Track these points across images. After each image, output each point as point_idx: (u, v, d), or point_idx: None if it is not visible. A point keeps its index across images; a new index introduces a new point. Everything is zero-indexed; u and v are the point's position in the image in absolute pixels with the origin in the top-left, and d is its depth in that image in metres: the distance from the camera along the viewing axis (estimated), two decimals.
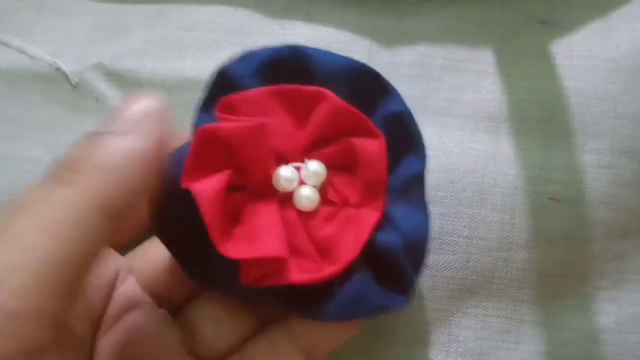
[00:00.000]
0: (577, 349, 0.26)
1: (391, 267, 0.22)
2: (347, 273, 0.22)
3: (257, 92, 0.24)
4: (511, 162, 0.27)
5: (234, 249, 0.21)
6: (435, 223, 0.26)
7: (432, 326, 0.26)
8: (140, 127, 0.20)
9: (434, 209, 0.26)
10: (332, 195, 0.24)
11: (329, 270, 0.22)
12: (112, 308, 0.23)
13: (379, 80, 0.24)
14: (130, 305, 0.23)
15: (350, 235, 0.22)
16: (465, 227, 0.26)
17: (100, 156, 0.19)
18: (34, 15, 0.33)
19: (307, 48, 0.24)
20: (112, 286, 0.23)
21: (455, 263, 0.26)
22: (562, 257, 0.26)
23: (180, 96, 0.29)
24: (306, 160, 0.23)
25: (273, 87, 0.24)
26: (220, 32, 0.30)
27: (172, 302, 0.25)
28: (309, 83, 0.24)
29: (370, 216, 0.23)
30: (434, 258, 0.26)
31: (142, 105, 0.20)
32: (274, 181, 0.23)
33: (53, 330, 0.17)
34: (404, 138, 0.23)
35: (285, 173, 0.23)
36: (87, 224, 0.18)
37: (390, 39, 0.30)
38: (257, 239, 0.22)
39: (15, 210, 0.19)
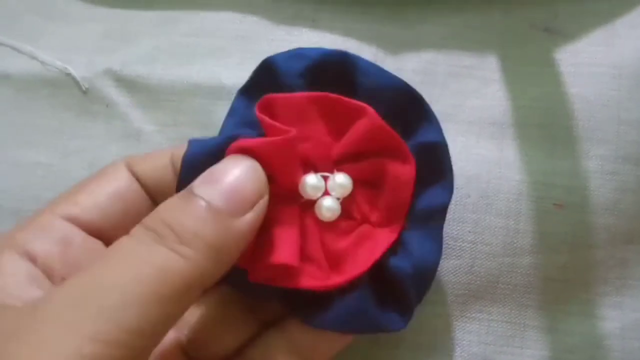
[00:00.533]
0: (582, 354, 0.26)
1: (396, 291, 0.23)
2: (350, 287, 0.23)
3: (298, 96, 0.24)
4: (515, 168, 0.27)
5: (249, 256, 0.22)
6: None
7: (436, 331, 0.26)
8: (245, 203, 0.20)
9: None
10: (353, 210, 0.24)
11: (334, 280, 0.23)
12: None
13: (421, 106, 0.24)
14: None
15: (363, 251, 0.23)
16: (469, 232, 0.26)
17: (212, 235, 0.19)
18: (43, 21, 0.33)
19: (358, 58, 0.24)
20: None
21: (460, 268, 0.26)
22: (565, 262, 0.26)
23: (189, 102, 0.29)
24: (335, 171, 0.24)
25: (315, 94, 0.24)
26: (228, 38, 0.31)
27: None
28: (352, 94, 0.24)
29: (386, 237, 0.23)
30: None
31: (243, 174, 0.21)
32: (300, 188, 0.23)
33: None
34: (434, 168, 0.24)
35: (311, 181, 0.23)
36: (190, 301, 0.19)
37: (395, 46, 0.30)
38: (272, 245, 0.22)
39: (105, 253, 0.19)
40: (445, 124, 0.28)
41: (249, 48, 0.30)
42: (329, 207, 0.23)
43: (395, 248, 0.23)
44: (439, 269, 0.26)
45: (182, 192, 0.21)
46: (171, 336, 0.24)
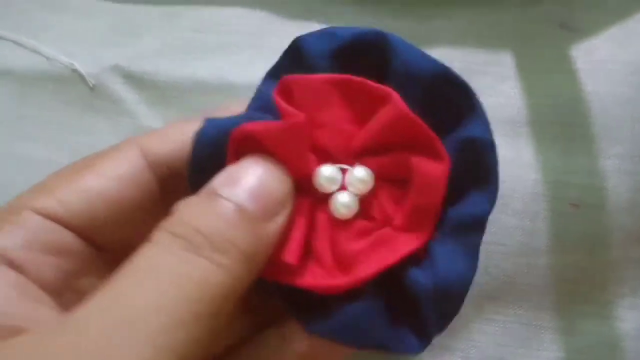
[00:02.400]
0: (597, 355, 0.26)
1: (412, 309, 0.20)
2: (357, 293, 0.20)
3: (319, 78, 0.21)
4: (531, 167, 0.27)
5: None
6: None
7: (452, 332, 0.26)
8: (275, 204, 0.20)
9: None
10: (373, 210, 0.21)
11: (337, 281, 0.20)
12: None
13: (467, 94, 0.21)
14: None
15: (379, 256, 0.20)
16: (485, 232, 0.26)
17: (245, 241, 0.19)
18: (45, 15, 0.33)
19: (396, 38, 0.21)
20: None
21: None
22: (582, 263, 0.26)
23: (197, 99, 0.29)
24: (355, 164, 0.21)
25: (337, 77, 0.21)
26: (236, 34, 0.30)
27: None
28: (387, 79, 0.21)
29: (407, 243, 0.20)
30: None
31: (267, 174, 0.20)
32: (313, 179, 0.21)
33: None
34: (476, 170, 0.20)
35: (326, 172, 0.21)
36: (228, 312, 0.18)
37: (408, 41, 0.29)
38: None
39: (135, 268, 0.18)
40: None
41: (258, 44, 0.30)
42: (344, 203, 0.21)
43: (419, 259, 0.20)
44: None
45: (204, 193, 0.19)
46: None
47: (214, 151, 0.21)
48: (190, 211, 0.19)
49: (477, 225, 0.20)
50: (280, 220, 0.20)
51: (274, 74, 0.22)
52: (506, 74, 0.28)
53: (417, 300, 0.20)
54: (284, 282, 0.20)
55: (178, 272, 0.17)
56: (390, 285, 0.20)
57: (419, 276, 0.20)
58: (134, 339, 0.16)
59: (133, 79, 0.30)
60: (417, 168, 0.20)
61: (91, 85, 0.30)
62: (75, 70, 0.30)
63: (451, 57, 0.29)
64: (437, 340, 0.26)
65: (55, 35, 0.32)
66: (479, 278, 0.26)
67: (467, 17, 0.30)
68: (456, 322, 0.26)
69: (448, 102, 0.21)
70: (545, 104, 0.28)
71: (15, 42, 0.32)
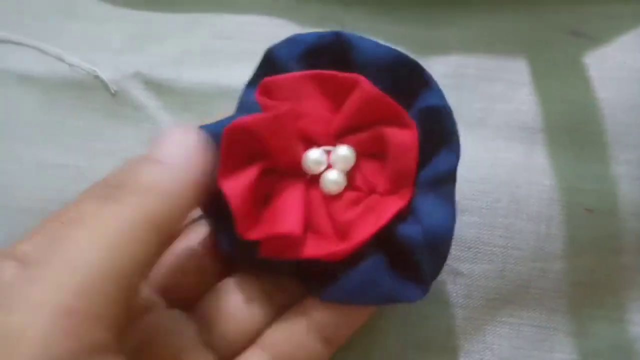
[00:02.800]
0: (610, 357, 0.26)
1: (408, 259, 0.22)
2: (360, 256, 0.23)
3: (294, 75, 0.24)
4: (545, 173, 0.27)
5: (257, 231, 0.23)
6: (471, 232, 0.27)
7: (467, 334, 0.27)
8: (184, 157, 0.21)
9: (469, 219, 0.27)
10: (359, 181, 0.24)
11: (339, 247, 0.22)
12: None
13: (419, 72, 0.24)
14: (143, 310, 0.24)
15: (371, 220, 0.23)
16: (500, 236, 0.27)
17: (150, 180, 0.20)
18: (67, 22, 0.33)
19: (352, 35, 0.24)
20: None
21: (490, 272, 0.27)
22: (595, 267, 0.27)
23: (217, 104, 0.30)
24: (337, 144, 0.24)
25: (310, 72, 0.24)
26: (254, 41, 0.30)
27: (184, 301, 0.25)
28: (350, 70, 0.24)
29: (393, 204, 0.23)
30: (469, 267, 0.27)
31: (184, 136, 0.22)
32: (302, 163, 0.24)
33: (114, 334, 0.18)
34: (439, 133, 0.23)
35: (313, 156, 0.24)
36: (141, 238, 0.19)
37: (423, 49, 0.30)
38: (277, 218, 0.23)
39: (68, 221, 0.20)
40: (474, 128, 0.28)
41: None
42: (333, 180, 0.24)
43: (405, 216, 0.23)
44: (470, 273, 0.26)
45: None
46: (190, 327, 0.24)
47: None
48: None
49: (449, 177, 0.23)
50: (185, 165, 0.21)
51: (253, 83, 0.25)
52: (520, 81, 0.29)
53: (411, 251, 0.22)
54: (292, 257, 0.23)
55: (88, 208, 0.20)
56: (385, 244, 0.23)
57: (409, 230, 0.22)
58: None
59: (154, 85, 0.30)
60: (391, 138, 0.23)
61: (113, 91, 0.31)
62: (97, 77, 0.31)
63: (466, 63, 0.30)
64: (453, 342, 0.27)
65: (77, 43, 0.32)
66: (494, 282, 0.26)
67: (481, 24, 0.30)
68: (471, 324, 0.27)
69: (404, 80, 0.24)
70: (559, 111, 0.28)
71: (38, 49, 0.32)
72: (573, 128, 0.28)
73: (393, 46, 0.30)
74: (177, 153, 0.21)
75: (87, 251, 0.18)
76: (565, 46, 0.29)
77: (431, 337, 0.27)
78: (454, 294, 0.27)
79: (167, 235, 0.20)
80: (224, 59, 0.31)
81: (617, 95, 0.28)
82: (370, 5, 0.31)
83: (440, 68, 0.29)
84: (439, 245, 0.22)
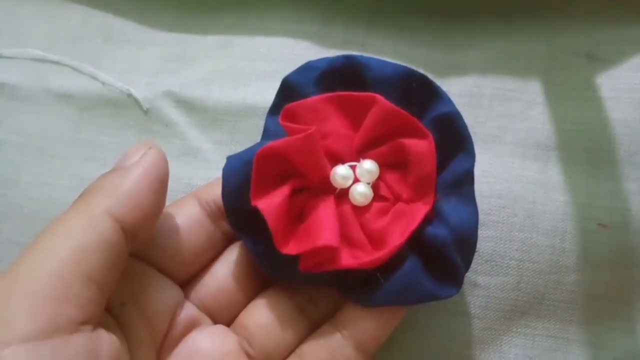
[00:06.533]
0: None
1: (440, 258, 0.24)
2: (397, 261, 0.24)
3: (314, 99, 0.26)
4: (560, 190, 0.28)
5: (294, 246, 0.24)
6: (488, 246, 0.28)
7: (484, 344, 0.28)
8: (143, 163, 0.24)
9: (487, 233, 0.28)
10: (384, 191, 0.26)
11: (376, 255, 0.24)
12: (174, 332, 0.25)
13: (428, 84, 0.26)
14: (191, 326, 0.25)
15: (401, 226, 0.24)
16: (517, 250, 0.28)
17: (110, 182, 0.23)
18: (103, 44, 0.35)
19: (362, 57, 0.26)
20: (173, 314, 0.25)
21: (507, 284, 0.28)
22: (608, 280, 0.27)
23: (245, 122, 0.31)
24: (361, 159, 0.26)
25: (329, 95, 0.26)
26: (281, 62, 0.32)
27: (225, 317, 0.26)
28: (363, 89, 0.26)
29: (420, 210, 0.24)
30: (486, 279, 0.28)
31: (142, 148, 0.24)
32: (331, 179, 0.25)
33: (82, 312, 0.21)
34: (453, 137, 0.25)
35: (341, 171, 0.25)
36: (101, 228, 0.22)
37: (442, 70, 0.31)
38: (313, 232, 0.24)
39: (54, 221, 0.23)
40: (490, 145, 0.29)
41: None
42: (362, 192, 0.25)
43: (431, 219, 0.24)
44: (487, 285, 0.27)
45: None
46: (234, 341, 0.25)
47: (240, 180, 0.25)
48: None
49: (468, 178, 0.25)
50: (144, 168, 0.24)
51: (273, 111, 0.27)
52: (535, 100, 0.30)
53: (441, 250, 0.24)
54: (331, 269, 0.24)
55: (69, 211, 0.23)
56: (416, 247, 0.24)
57: (437, 231, 0.24)
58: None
59: (184, 104, 0.32)
60: (410, 148, 0.25)
61: (145, 109, 0.32)
62: (130, 95, 0.32)
63: (483, 84, 0.31)
64: (469, 352, 0.27)
65: (110, 62, 0.34)
66: (510, 294, 0.27)
67: (499, 47, 0.31)
68: (487, 334, 0.27)
69: (415, 93, 0.26)
70: (573, 130, 0.29)
71: (73, 68, 0.34)
72: (587, 147, 0.29)
73: (414, 68, 0.31)
74: (135, 160, 0.24)
75: (54, 240, 0.21)
76: (579, 68, 0.30)
77: (449, 347, 0.28)
78: (472, 305, 0.28)
79: (131, 230, 0.23)
80: (251, 79, 0.32)
81: (629, 115, 0.29)
82: (392, 29, 0.32)
83: (457, 88, 0.31)
84: (466, 241, 0.24)
